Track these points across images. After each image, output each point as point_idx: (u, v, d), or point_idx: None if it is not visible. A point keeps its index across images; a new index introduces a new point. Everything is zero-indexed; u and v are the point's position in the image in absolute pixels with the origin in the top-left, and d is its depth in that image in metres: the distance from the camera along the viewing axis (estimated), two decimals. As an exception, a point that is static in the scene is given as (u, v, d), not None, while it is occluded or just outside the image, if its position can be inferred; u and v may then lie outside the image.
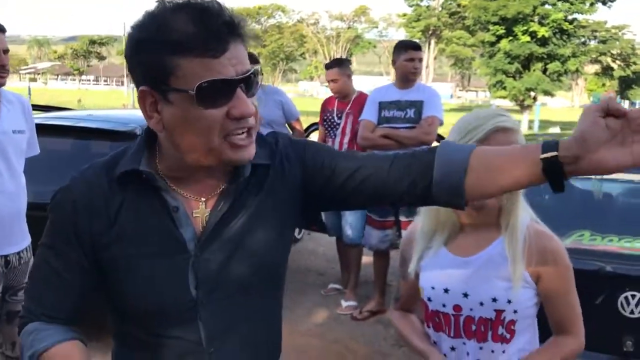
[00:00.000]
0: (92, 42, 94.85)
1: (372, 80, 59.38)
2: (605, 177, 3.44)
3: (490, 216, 1.61)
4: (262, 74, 5.00)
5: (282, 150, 1.20)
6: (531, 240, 1.58)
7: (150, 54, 1.00)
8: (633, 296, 2.45)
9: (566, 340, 1.63)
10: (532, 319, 1.65)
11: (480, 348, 1.61)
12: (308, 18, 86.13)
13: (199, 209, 1.14)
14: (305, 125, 5.63)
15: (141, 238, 1.12)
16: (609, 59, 43.05)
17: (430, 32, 57.82)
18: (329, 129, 4.86)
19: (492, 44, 33.88)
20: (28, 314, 1.18)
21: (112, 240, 1.12)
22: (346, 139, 4.68)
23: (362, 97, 4.65)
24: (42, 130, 3.13)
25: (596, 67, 47.07)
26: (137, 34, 1.03)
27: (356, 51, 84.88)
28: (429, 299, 1.65)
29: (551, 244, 1.60)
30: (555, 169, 0.97)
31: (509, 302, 1.56)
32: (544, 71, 33.06)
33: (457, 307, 1.61)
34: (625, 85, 47.17)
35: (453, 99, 69.02)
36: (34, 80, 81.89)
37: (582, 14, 33.76)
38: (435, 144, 2.56)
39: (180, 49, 0.98)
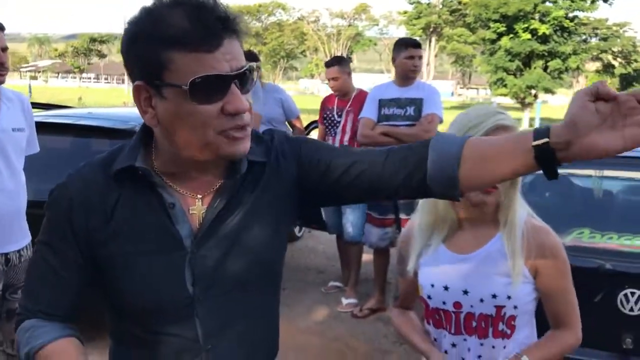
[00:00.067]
0: (93, 40, 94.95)
1: (373, 77, 59.36)
2: (605, 174, 3.44)
3: (488, 213, 1.61)
4: (261, 70, 4.99)
5: (278, 146, 1.20)
6: (529, 235, 1.59)
7: (145, 48, 1.01)
8: (632, 293, 2.46)
9: (564, 334, 1.65)
10: (531, 313, 1.66)
11: (481, 344, 1.62)
12: (308, 15, 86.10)
13: (195, 205, 1.14)
14: (305, 123, 5.63)
15: (138, 235, 1.12)
16: (610, 57, 42.95)
17: (431, 29, 57.73)
18: (329, 127, 4.86)
19: (493, 42, 33.83)
20: (25, 311, 1.18)
21: (108, 237, 1.12)
22: (346, 137, 4.68)
23: (362, 95, 4.65)
24: (43, 128, 3.13)
25: (597, 65, 46.98)
26: (132, 28, 1.03)
27: (357, 49, 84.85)
28: (429, 297, 1.66)
29: (549, 239, 1.61)
30: (548, 155, 0.97)
31: (509, 297, 1.58)
32: (545, 69, 33.01)
33: (457, 304, 1.62)
34: (627, 82, 47.08)
35: (454, 96, 68.94)
36: (34, 78, 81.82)
37: (583, 11, 33.69)
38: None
39: (174, 43, 0.98)
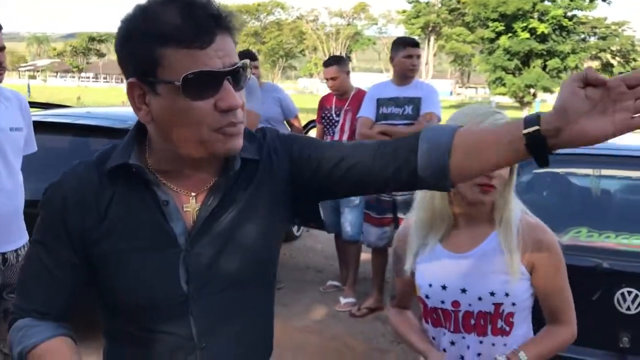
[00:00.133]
0: (92, 39, 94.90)
1: (372, 77, 59.30)
2: (602, 173, 3.45)
3: (484, 211, 1.62)
4: (259, 69, 4.99)
5: (270, 144, 1.21)
6: (524, 232, 1.60)
7: (139, 45, 1.02)
8: (629, 292, 2.46)
9: (559, 330, 1.66)
10: (528, 310, 1.68)
11: (481, 342, 1.63)
12: (307, 15, 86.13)
13: (189, 203, 1.15)
14: (304, 122, 5.63)
15: (131, 232, 1.12)
16: (608, 56, 42.95)
17: (429, 28, 57.80)
18: (328, 126, 4.86)
19: (492, 41, 33.88)
20: (18, 310, 1.18)
21: (102, 235, 1.13)
22: (345, 137, 4.67)
23: (360, 94, 4.65)
24: (41, 127, 3.13)
25: (596, 64, 46.96)
26: (126, 26, 1.04)
27: (356, 48, 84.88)
28: (427, 297, 1.66)
29: (545, 236, 1.62)
30: (538, 143, 0.96)
31: (507, 295, 1.59)
32: (544, 68, 33.07)
33: (455, 303, 1.63)
34: (625, 81, 47.02)
35: (453, 95, 68.91)
36: (33, 77, 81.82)
37: (581, 10, 33.76)
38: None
39: (167, 40, 0.99)
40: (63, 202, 1.13)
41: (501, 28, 33.10)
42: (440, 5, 56.62)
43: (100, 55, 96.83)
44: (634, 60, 43.37)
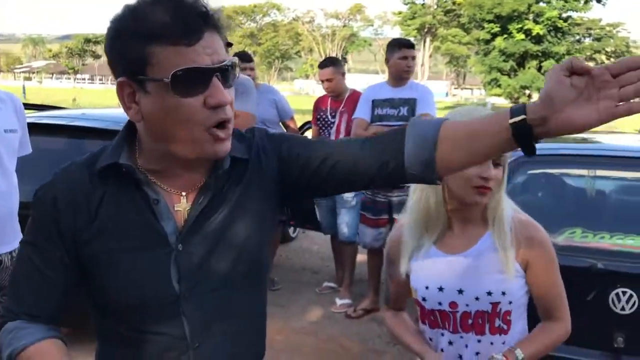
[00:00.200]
0: (87, 40, 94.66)
1: (368, 78, 59.32)
2: (597, 174, 3.46)
3: (477, 211, 1.63)
4: (254, 69, 5.00)
5: (259, 143, 1.21)
6: (517, 230, 1.62)
7: (128, 44, 1.02)
8: (624, 293, 2.47)
9: (554, 326, 1.67)
10: (524, 307, 1.69)
11: (479, 341, 1.64)
12: (303, 16, 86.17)
13: (180, 203, 1.15)
14: (300, 124, 5.63)
15: (122, 232, 1.12)
16: (603, 57, 43.08)
17: (425, 30, 57.88)
18: (323, 127, 4.86)
19: (487, 42, 33.96)
20: (8, 312, 1.17)
21: (93, 235, 1.12)
22: (341, 138, 4.68)
23: (355, 95, 4.66)
24: (36, 129, 3.12)
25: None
26: (115, 25, 1.05)
27: (352, 49, 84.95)
28: (424, 299, 1.67)
29: (537, 233, 1.64)
30: (525, 132, 0.97)
31: (504, 293, 1.60)
32: (539, 69, 33.15)
33: (453, 304, 1.63)
34: (620, 82, 47.17)
35: (448, 97, 68.97)
36: (28, 79, 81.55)
37: (576, 11, 33.88)
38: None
39: (156, 37, 1.00)
40: (55, 202, 1.13)
41: (496, 29, 33.19)
42: (435, 7, 56.71)
43: (96, 56, 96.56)
44: (629, 61, 43.45)
